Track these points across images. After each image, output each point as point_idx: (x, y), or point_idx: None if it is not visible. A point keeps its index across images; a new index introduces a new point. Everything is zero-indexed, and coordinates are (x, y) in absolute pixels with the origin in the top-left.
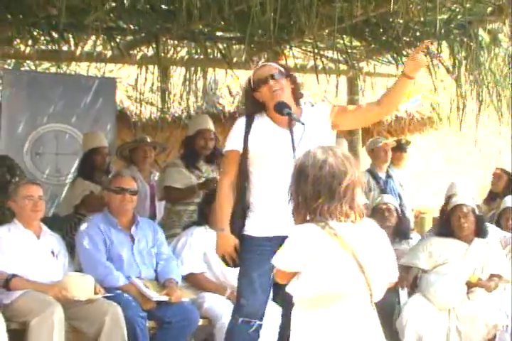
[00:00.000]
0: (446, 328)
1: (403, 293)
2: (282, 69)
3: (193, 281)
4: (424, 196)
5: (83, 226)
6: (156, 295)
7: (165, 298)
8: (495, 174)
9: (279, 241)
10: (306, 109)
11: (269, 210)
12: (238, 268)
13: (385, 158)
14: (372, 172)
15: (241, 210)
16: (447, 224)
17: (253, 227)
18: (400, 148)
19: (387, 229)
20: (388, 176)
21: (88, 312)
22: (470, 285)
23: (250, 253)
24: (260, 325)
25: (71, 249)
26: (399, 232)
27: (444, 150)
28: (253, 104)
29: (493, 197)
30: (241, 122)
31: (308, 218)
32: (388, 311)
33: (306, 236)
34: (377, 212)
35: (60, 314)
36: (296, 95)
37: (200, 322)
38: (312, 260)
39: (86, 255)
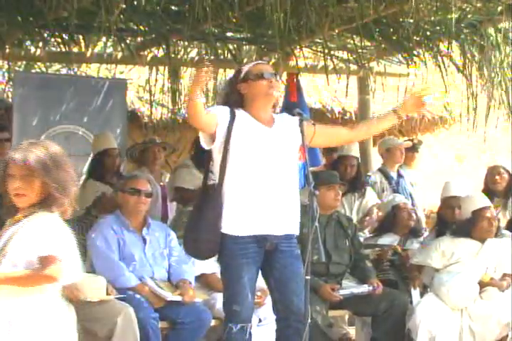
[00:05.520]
0: (459, 328)
1: (415, 292)
2: None
3: (205, 282)
4: (435, 196)
5: (96, 227)
6: (169, 295)
7: (178, 298)
8: (498, 172)
9: (262, 240)
10: (276, 116)
11: (248, 208)
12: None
13: (399, 159)
14: (384, 172)
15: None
16: (469, 225)
17: (232, 225)
18: (411, 148)
19: (407, 228)
20: (399, 176)
21: (100, 313)
22: (483, 285)
23: (237, 259)
24: (250, 326)
25: (83, 250)
26: (411, 232)
27: (455, 150)
28: (235, 96)
29: (490, 195)
30: (225, 110)
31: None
32: (401, 311)
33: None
34: (400, 211)
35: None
36: (276, 101)
37: (213, 322)
38: None
39: (100, 255)
